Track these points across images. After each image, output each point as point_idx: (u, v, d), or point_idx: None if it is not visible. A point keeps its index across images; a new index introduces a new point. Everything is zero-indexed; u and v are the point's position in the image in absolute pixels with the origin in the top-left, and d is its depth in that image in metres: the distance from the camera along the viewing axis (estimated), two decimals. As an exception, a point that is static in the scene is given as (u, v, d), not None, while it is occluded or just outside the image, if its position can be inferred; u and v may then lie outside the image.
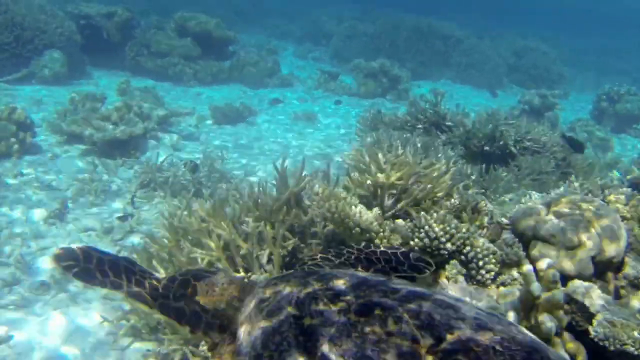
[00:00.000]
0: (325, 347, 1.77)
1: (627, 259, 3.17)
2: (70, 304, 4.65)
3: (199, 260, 3.34)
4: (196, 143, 9.59)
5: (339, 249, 2.78)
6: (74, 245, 2.29)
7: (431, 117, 7.35)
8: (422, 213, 3.11)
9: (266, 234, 3.25)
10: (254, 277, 3.21)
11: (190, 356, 2.93)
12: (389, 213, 3.50)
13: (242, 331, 2.09)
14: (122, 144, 8.13)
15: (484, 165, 6.32)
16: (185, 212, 3.66)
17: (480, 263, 3.06)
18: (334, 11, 26.00)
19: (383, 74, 14.79)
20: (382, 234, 3.15)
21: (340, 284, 2.03)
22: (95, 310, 4.55)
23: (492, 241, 3.35)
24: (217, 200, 3.46)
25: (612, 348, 2.54)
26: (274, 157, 9.27)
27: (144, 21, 15.67)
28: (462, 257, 3.09)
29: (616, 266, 3.16)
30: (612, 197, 3.71)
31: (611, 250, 3.09)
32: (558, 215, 3.20)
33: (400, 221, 3.38)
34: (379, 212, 3.39)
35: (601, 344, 2.54)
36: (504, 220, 3.64)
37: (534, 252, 3.16)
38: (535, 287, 2.78)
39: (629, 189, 3.92)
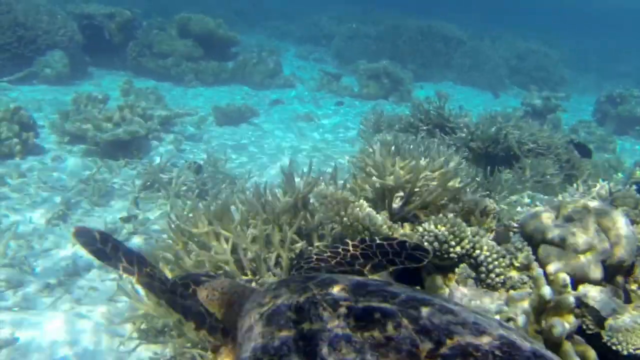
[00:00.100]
0: (324, 352, 1.78)
1: (637, 263, 3.15)
2: (75, 306, 4.64)
3: (206, 263, 3.33)
4: (199, 144, 9.58)
5: (334, 248, 2.75)
6: (93, 229, 2.27)
7: (435, 119, 7.35)
8: (432, 216, 3.09)
9: (274, 236, 3.24)
10: (262, 280, 3.20)
11: (198, 359, 2.91)
12: (397, 216, 3.49)
13: (242, 336, 2.09)
14: (125, 144, 8.12)
15: (489, 168, 6.32)
16: (191, 214, 3.66)
17: (490, 266, 3.04)
18: (334, 12, 26.00)
19: (386, 75, 14.79)
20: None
21: (339, 288, 2.04)
22: (100, 313, 4.53)
23: (501, 244, 3.34)
24: (224, 203, 3.45)
25: (625, 352, 2.53)
26: (276, 157, 9.27)
27: (146, 22, 15.66)
28: (472, 260, 3.07)
29: (626, 269, 3.14)
30: (619, 201, 3.70)
31: (621, 253, 3.08)
32: (567, 218, 3.19)
33: (408, 224, 3.37)
34: (387, 215, 3.39)
35: (614, 348, 2.52)
36: (512, 223, 3.63)
37: (543, 255, 3.15)
38: (547, 291, 2.77)
39: (635, 192, 3.91)
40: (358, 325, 1.82)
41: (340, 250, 2.71)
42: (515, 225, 3.63)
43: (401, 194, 3.54)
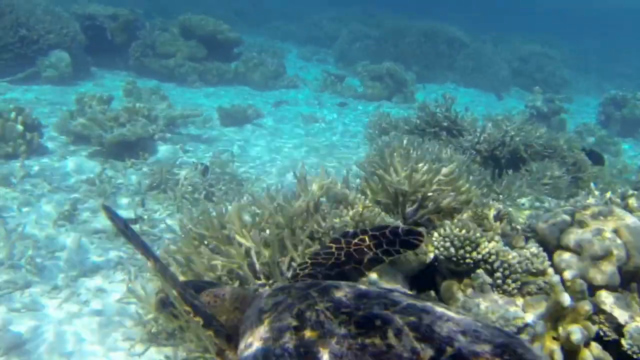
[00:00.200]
0: (325, 359, 1.79)
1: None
2: (83, 307, 4.61)
3: (219, 267, 3.31)
4: (203, 144, 9.55)
5: (327, 249, 2.71)
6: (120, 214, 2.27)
7: (442, 122, 7.33)
8: (447, 222, 3.08)
9: (288, 240, 3.22)
10: (275, 284, 3.17)
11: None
12: (410, 220, 3.47)
13: (244, 342, 2.10)
14: (130, 145, 8.09)
15: (496, 170, 6.30)
16: (202, 218, 3.63)
17: (506, 272, 3.02)
18: (335, 13, 25.98)
19: (389, 76, 14.78)
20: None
21: (341, 295, 2.05)
22: (108, 314, 4.51)
23: (514, 249, 3.32)
24: (236, 207, 3.42)
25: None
26: (282, 159, 9.26)
27: (149, 22, 15.65)
28: (488, 266, 3.06)
29: (643, 276, 3.13)
30: (634, 206, 3.68)
31: (637, 259, 3.06)
32: (583, 224, 3.17)
33: (422, 229, 3.35)
34: (401, 219, 3.37)
35: (635, 357, 2.50)
36: (525, 228, 3.61)
37: (559, 261, 3.13)
38: (566, 298, 2.76)
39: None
40: (359, 332, 1.84)
41: (333, 250, 2.68)
42: (528, 229, 3.61)
43: (413, 198, 3.52)
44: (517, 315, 2.92)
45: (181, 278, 3.40)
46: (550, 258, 3.21)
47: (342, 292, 2.07)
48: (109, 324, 4.38)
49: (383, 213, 3.14)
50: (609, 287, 2.98)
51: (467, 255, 2.97)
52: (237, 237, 3.17)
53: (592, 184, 4.58)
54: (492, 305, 2.96)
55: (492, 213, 3.47)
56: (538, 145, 7.08)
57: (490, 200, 3.77)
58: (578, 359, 2.72)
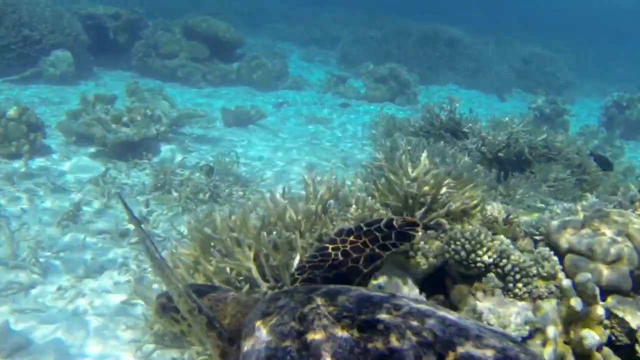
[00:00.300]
0: None
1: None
2: (88, 308, 4.59)
3: (228, 270, 3.30)
4: (207, 145, 9.53)
5: (323, 250, 2.67)
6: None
7: (446, 124, 7.31)
8: (458, 225, 3.06)
9: (297, 243, 3.20)
10: (284, 288, 3.16)
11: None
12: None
13: (247, 345, 2.11)
14: (134, 145, 8.07)
15: (502, 173, 6.29)
16: (210, 220, 3.62)
17: (517, 276, 3.01)
18: (337, 15, 25.98)
19: (392, 78, 14.77)
20: (416, 245, 3.10)
21: (343, 299, 2.05)
22: (114, 316, 4.49)
23: (524, 252, 3.30)
24: (245, 209, 3.41)
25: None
26: (286, 160, 9.23)
27: (151, 22, 15.64)
28: (498, 269, 3.04)
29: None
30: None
31: (649, 264, 3.05)
32: (594, 228, 3.15)
33: (432, 232, 3.33)
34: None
35: (649, 362, 2.49)
36: (534, 231, 3.60)
37: (570, 265, 3.12)
38: (578, 302, 2.74)
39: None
40: (361, 336, 1.84)
41: (330, 250, 2.64)
42: (537, 232, 3.60)
43: (422, 200, 3.50)
44: (528, 320, 2.90)
45: (191, 281, 3.38)
46: (561, 261, 3.19)
47: (345, 296, 2.08)
48: (114, 326, 4.36)
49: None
50: (621, 291, 2.97)
51: (478, 259, 2.95)
52: (247, 240, 3.15)
53: (600, 188, 4.56)
54: (503, 310, 2.94)
55: (501, 216, 3.46)
56: (542, 147, 7.07)
57: (499, 203, 3.75)
58: (590, 363, 2.71)
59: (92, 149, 8.22)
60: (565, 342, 2.89)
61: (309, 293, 2.15)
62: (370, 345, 1.80)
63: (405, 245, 2.74)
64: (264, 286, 3.14)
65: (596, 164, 6.58)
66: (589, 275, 2.90)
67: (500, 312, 2.92)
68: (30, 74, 12.24)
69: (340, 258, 2.61)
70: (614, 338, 2.88)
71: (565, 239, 3.19)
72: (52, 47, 12.85)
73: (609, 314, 2.89)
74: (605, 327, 2.88)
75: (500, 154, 7.03)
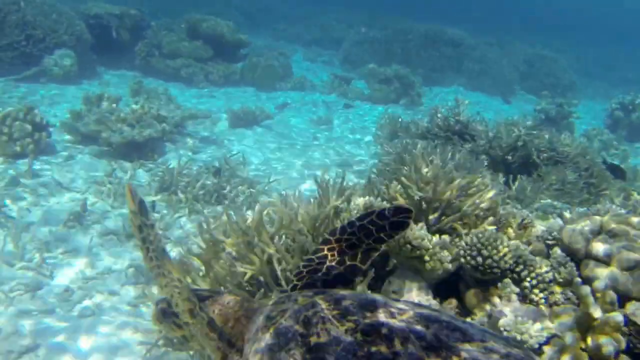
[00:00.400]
0: None
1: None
2: (96, 311, 4.57)
3: (240, 274, 3.26)
4: (212, 146, 9.50)
5: (319, 252, 2.62)
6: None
7: (454, 126, 7.29)
8: (474, 230, 3.03)
9: (310, 247, 3.17)
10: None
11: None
12: (434, 227, 3.42)
13: (250, 348, 2.11)
14: (139, 145, 8.05)
15: (510, 176, 6.26)
16: (222, 222, 3.59)
17: (534, 282, 2.98)
18: (340, 15, 25.94)
19: (396, 79, 14.74)
20: (431, 250, 3.07)
21: (347, 303, 2.05)
22: (122, 318, 4.47)
23: (538, 257, 3.27)
24: (258, 212, 3.38)
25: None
26: (292, 161, 9.19)
27: (155, 22, 15.61)
28: (514, 275, 3.01)
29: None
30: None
31: (667, 270, 3.01)
32: (612, 234, 3.12)
33: (446, 237, 3.30)
34: (424, 226, 3.32)
35: (672, 371, 2.46)
36: (548, 236, 3.56)
37: (588, 271, 3.08)
38: (596, 309, 2.71)
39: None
40: (365, 340, 1.85)
41: (325, 252, 2.60)
42: (550, 237, 3.56)
43: (436, 204, 3.47)
44: (545, 326, 2.87)
45: (203, 285, 3.36)
46: (577, 267, 3.16)
47: (349, 300, 2.08)
48: (122, 328, 4.33)
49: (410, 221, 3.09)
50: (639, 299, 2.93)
51: (495, 264, 2.92)
52: (261, 244, 3.13)
53: (612, 192, 4.54)
54: (519, 315, 2.91)
55: (516, 221, 3.43)
56: (550, 150, 7.04)
57: (512, 207, 3.72)
58: (609, 371, 2.67)
59: (97, 149, 8.20)
60: (582, 349, 2.86)
61: (313, 297, 2.16)
62: (374, 349, 1.81)
63: (400, 233, 2.68)
64: (276, 291, 3.11)
65: (610, 172, 6.54)
66: (607, 281, 2.86)
67: (515, 317, 2.89)
68: (33, 73, 12.22)
69: (337, 258, 2.58)
70: (632, 345, 2.85)
71: (582, 244, 3.16)
72: (56, 46, 12.84)
73: (628, 321, 2.85)
74: (624, 334, 2.84)
75: (508, 157, 7.00)
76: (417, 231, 3.00)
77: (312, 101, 14.42)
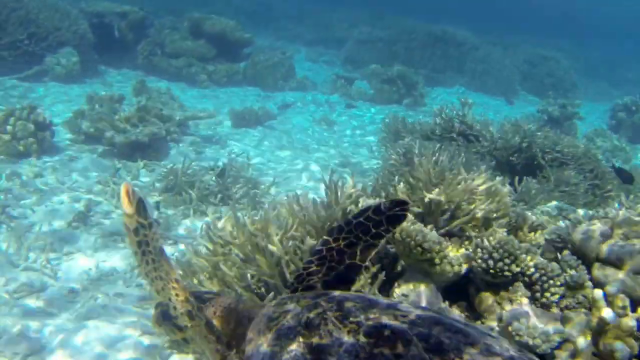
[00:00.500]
0: None
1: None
2: (101, 312, 4.54)
3: (248, 276, 3.25)
4: (216, 146, 9.48)
5: (318, 253, 2.58)
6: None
7: (458, 127, 7.27)
8: (486, 233, 3.01)
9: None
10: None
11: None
12: (443, 230, 3.40)
13: (251, 348, 2.10)
14: (142, 145, 8.02)
15: (516, 177, 6.23)
16: (227, 223, 3.56)
17: (545, 285, 2.96)
18: (342, 15, 25.89)
19: (399, 79, 14.71)
20: (442, 253, 3.05)
21: (350, 305, 2.05)
22: (127, 319, 4.44)
23: (550, 260, 3.25)
24: (266, 214, 3.36)
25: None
26: (295, 162, 9.17)
27: (158, 21, 15.58)
28: (526, 278, 2.99)
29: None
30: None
31: (679, 274, 2.99)
32: (623, 237, 3.10)
33: (455, 239, 3.28)
34: (434, 228, 3.30)
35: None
36: (557, 239, 3.54)
37: (599, 275, 3.06)
38: (609, 314, 2.68)
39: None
40: (367, 342, 1.84)
41: (324, 253, 2.56)
42: (558, 240, 3.54)
43: (446, 207, 3.45)
44: (556, 330, 2.85)
45: (210, 287, 3.33)
46: (588, 271, 3.14)
47: (351, 302, 2.08)
48: (129, 330, 4.31)
49: (419, 224, 3.07)
50: (651, 303, 2.91)
51: (507, 267, 2.90)
52: (270, 246, 3.10)
53: (622, 194, 4.51)
54: (530, 319, 2.89)
55: (527, 223, 3.41)
56: (555, 152, 7.02)
57: (523, 210, 3.70)
58: (621, 376, 2.65)
59: (100, 149, 8.18)
60: (593, 354, 2.83)
61: (315, 298, 2.16)
62: (376, 351, 1.80)
63: (397, 227, 2.64)
64: (285, 293, 3.09)
65: (618, 176, 6.52)
66: (619, 285, 2.84)
67: (527, 321, 2.86)
68: (36, 72, 12.20)
69: (337, 258, 2.55)
70: (644, 350, 2.83)
71: (593, 247, 3.14)
72: (58, 45, 12.82)
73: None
74: (636, 338, 2.82)
75: (512, 158, 6.99)
76: (429, 234, 2.98)
77: (315, 101, 14.39)
